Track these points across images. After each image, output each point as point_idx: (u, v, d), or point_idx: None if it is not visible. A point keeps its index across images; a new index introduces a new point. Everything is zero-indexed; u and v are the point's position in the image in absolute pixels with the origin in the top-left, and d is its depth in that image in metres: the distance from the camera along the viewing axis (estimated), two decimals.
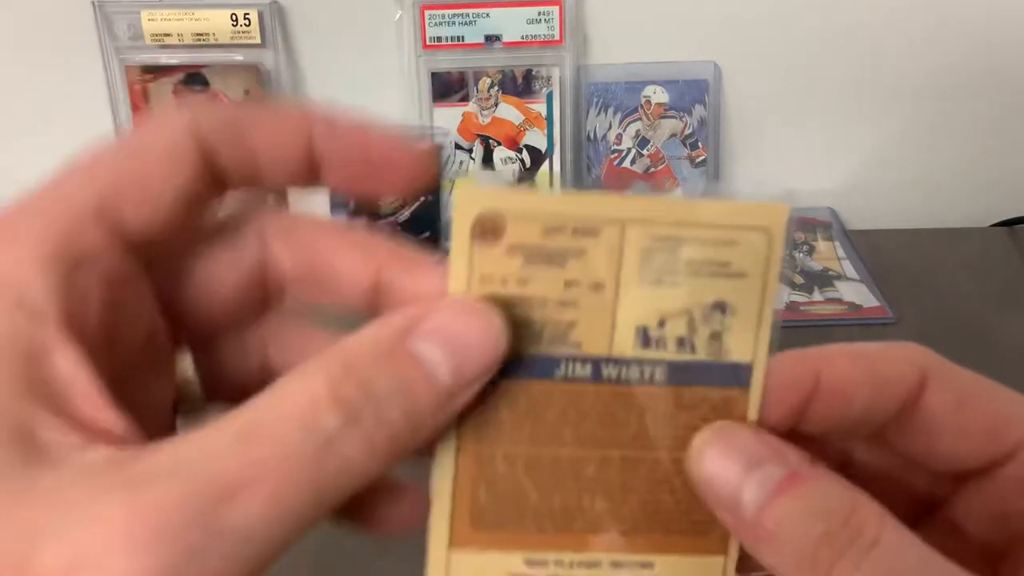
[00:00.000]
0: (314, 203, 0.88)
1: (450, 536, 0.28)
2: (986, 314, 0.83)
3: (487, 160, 0.93)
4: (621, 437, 0.28)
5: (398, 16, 0.88)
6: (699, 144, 0.94)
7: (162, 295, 0.28)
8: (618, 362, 0.27)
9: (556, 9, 0.89)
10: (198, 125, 0.26)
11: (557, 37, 0.90)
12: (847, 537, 0.25)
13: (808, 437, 0.29)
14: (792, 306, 0.84)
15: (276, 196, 0.30)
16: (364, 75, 0.91)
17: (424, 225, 0.90)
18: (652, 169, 0.94)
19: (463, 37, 0.89)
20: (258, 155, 0.27)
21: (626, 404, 0.28)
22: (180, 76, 0.88)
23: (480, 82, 0.91)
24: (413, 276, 0.28)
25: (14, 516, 0.21)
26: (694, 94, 0.93)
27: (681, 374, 0.28)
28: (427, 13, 0.88)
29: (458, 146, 0.91)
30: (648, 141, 0.94)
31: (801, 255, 0.90)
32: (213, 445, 0.22)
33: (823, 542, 0.25)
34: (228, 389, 0.29)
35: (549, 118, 0.92)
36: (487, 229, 0.26)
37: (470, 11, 0.88)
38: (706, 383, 0.28)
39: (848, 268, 0.89)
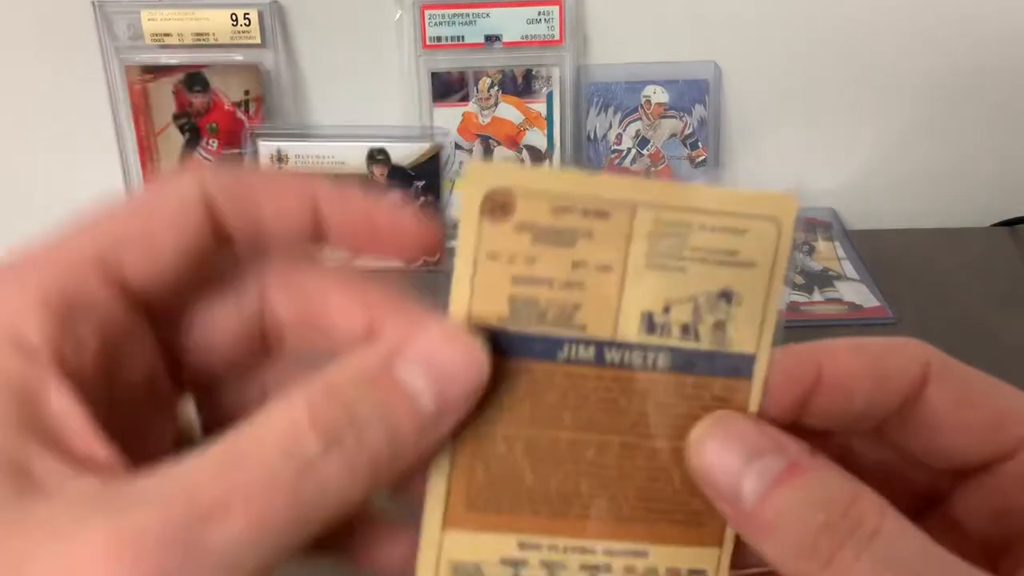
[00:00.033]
0: None
1: (444, 516, 0.28)
2: (987, 314, 0.83)
3: None
4: (621, 423, 0.28)
5: (398, 16, 0.88)
6: (699, 144, 0.94)
7: (163, 341, 0.28)
8: (621, 346, 0.27)
9: (556, 9, 0.89)
10: (205, 185, 0.27)
11: (557, 37, 0.90)
12: (847, 527, 0.25)
13: (809, 431, 0.28)
14: (792, 306, 0.84)
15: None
16: (364, 75, 0.91)
17: None
18: (652, 169, 0.94)
19: (463, 37, 0.89)
20: (264, 216, 0.28)
21: (627, 390, 0.28)
22: (180, 76, 0.87)
23: (480, 82, 0.91)
24: (406, 324, 0.28)
25: (8, 546, 0.22)
26: (694, 94, 0.93)
27: (684, 362, 0.28)
28: (427, 13, 0.88)
29: (458, 146, 0.91)
30: (648, 141, 0.94)
31: (801, 255, 0.90)
32: (196, 470, 0.23)
33: (823, 532, 0.25)
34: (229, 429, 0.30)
35: (549, 118, 0.92)
36: (497, 206, 0.26)
37: (470, 11, 0.88)
38: (708, 372, 0.28)
39: (848, 268, 0.89)
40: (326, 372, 0.25)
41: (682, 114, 0.93)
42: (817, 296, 0.86)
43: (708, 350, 0.28)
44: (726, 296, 0.27)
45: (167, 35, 0.86)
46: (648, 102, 0.93)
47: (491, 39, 0.89)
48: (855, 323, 0.82)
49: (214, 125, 0.89)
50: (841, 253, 0.91)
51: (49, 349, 0.24)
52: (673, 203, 0.27)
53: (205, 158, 0.90)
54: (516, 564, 0.28)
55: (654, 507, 0.28)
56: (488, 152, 0.93)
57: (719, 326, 0.28)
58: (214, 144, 0.89)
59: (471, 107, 0.91)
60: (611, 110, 0.93)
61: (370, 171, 0.88)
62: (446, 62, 0.90)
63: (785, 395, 0.28)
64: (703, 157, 0.94)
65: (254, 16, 0.86)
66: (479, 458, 0.28)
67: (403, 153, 0.88)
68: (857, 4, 0.90)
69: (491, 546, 0.28)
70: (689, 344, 0.28)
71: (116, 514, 0.22)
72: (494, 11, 0.89)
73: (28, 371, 0.24)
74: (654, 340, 0.27)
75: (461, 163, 0.91)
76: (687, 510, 0.29)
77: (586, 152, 0.94)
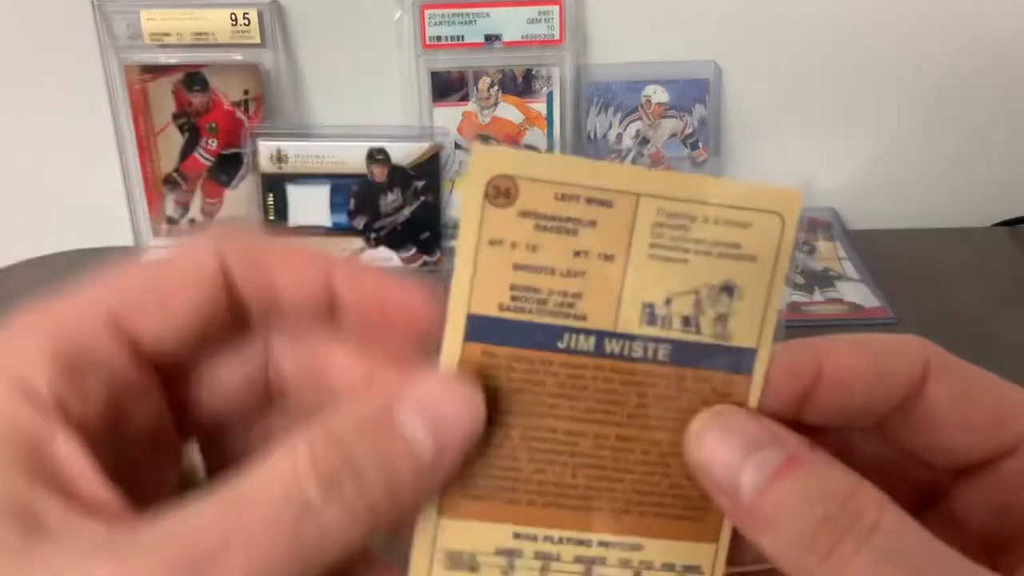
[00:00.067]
0: (312, 199, 0.88)
1: (440, 504, 0.28)
2: (988, 314, 0.82)
3: None
4: (619, 415, 0.28)
5: (398, 16, 0.88)
6: (699, 144, 0.94)
7: (169, 390, 0.29)
8: (622, 338, 0.27)
9: (556, 9, 0.88)
10: (223, 255, 0.28)
11: (557, 37, 0.89)
12: (846, 521, 0.25)
13: (810, 427, 0.28)
14: (793, 306, 0.84)
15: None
16: (364, 75, 0.91)
17: (424, 225, 0.89)
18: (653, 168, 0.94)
19: (463, 37, 0.89)
20: (278, 291, 0.29)
21: (626, 381, 0.28)
22: (179, 76, 0.87)
23: (480, 82, 0.91)
24: (405, 375, 0.28)
25: None
26: (694, 94, 0.93)
27: (684, 355, 0.28)
28: (427, 13, 0.88)
29: (458, 146, 0.91)
30: (648, 141, 0.94)
31: (803, 255, 0.90)
32: (199, 514, 0.24)
33: (822, 526, 0.25)
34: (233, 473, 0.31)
35: (549, 118, 0.92)
36: (500, 191, 0.26)
37: (470, 11, 0.88)
38: (708, 366, 0.28)
39: (849, 268, 0.89)
40: (326, 419, 0.25)
41: (682, 114, 0.93)
42: (818, 296, 0.85)
43: (709, 343, 0.28)
44: (728, 289, 0.27)
45: (166, 35, 0.85)
46: (648, 102, 0.93)
47: (491, 39, 0.89)
48: (856, 323, 0.82)
49: (213, 125, 0.89)
50: (842, 253, 0.91)
51: (56, 399, 0.25)
52: (677, 194, 0.27)
53: (204, 157, 0.89)
54: (511, 554, 0.28)
55: (651, 500, 0.28)
56: None
57: (720, 319, 0.27)
58: (213, 144, 0.89)
59: (471, 107, 0.91)
60: (611, 110, 0.93)
61: (370, 171, 0.88)
62: (446, 62, 0.90)
63: (785, 390, 0.28)
64: (703, 157, 0.94)
65: (253, 16, 0.86)
66: (475, 446, 0.27)
67: (403, 153, 0.88)
68: (857, 4, 0.90)
69: (486, 535, 0.28)
70: (690, 337, 0.27)
71: (121, 557, 0.23)
72: (494, 11, 0.88)
73: (36, 419, 0.25)
74: (655, 332, 0.27)
75: (461, 163, 0.91)
76: (684, 504, 0.28)
77: (586, 152, 0.94)
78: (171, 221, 0.91)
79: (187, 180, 0.90)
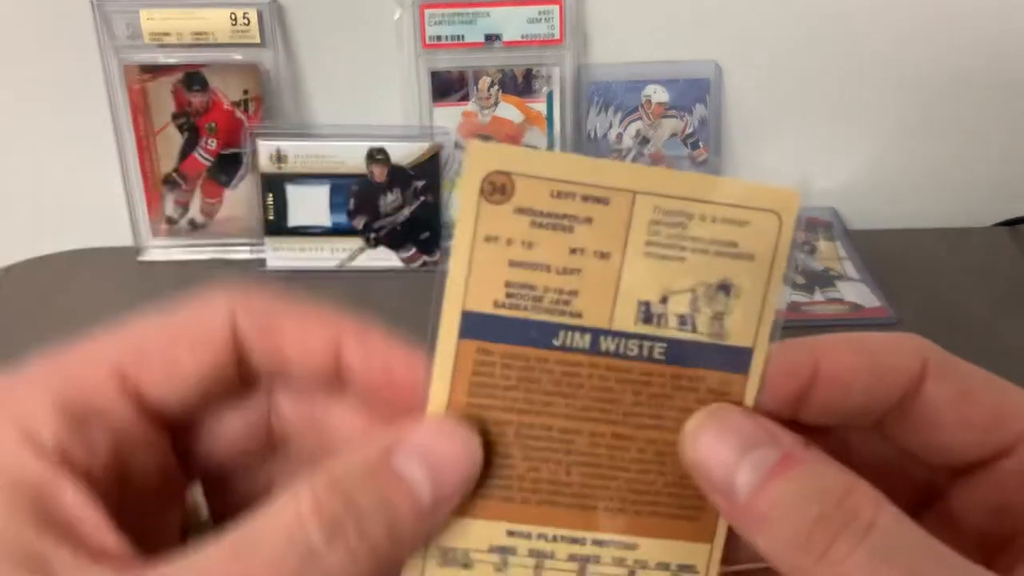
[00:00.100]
0: (311, 199, 0.88)
1: None
2: (988, 315, 0.82)
3: None
4: (614, 413, 0.28)
5: (398, 15, 0.88)
6: (700, 144, 0.94)
7: (173, 439, 0.30)
8: (617, 335, 0.27)
9: (556, 8, 0.88)
10: (234, 315, 0.29)
11: (557, 36, 0.89)
12: (842, 519, 0.25)
13: (807, 427, 0.28)
14: (793, 306, 0.84)
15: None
16: (364, 74, 0.91)
17: (424, 225, 0.89)
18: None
19: (463, 36, 0.89)
20: (287, 357, 0.29)
21: (622, 380, 0.28)
22: (179, 76, 0.87)
23: (480, 81, 0.90)
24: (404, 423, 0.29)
25: None
26: (695, 93, 0.93)
27: (680, 353, 0.27)
28: (427, 12, 0.88)
29: (458, 145, 0.91)
30: (649, 140, 0.94)
31: (803, 255, 0.90)
32: (205, 558, 0.25)
33: (818, 524, 0.25)
34: (237, 517, 0.31)
35: (549, 117, 0.92)
36: (496, 188, 0.26)
37: (470, 10, 0.88)
38: (705, 365, 0.28)
39: (849, 268, 0.89)
40: (328, 465, 0.26)
41: (683, 114, 0.93)
42: (818, 296, 0.85)
43: (705, 342, 0.27)
44: (725, 288, 0.27)
45: (166, 34, 0.85)
46: (648, 101, 0.93)
47: (491, 38, 0.89)
48: (856, 323, 0.82)
49: (213, 124, 0.89)
50: (842, 253, 0.91)
51: (61, 450, 0.26)
52: (674, 192, 0.26)
53: (204, 157, 0.89)
54: (504, 551, 0.28)
55: (646, 499, 0.28)
56: None
57: (717, 318, 0.27)
58: (213, 144, 0.89)
59: (471, 106, 0.91)
60: (611, 109, 0.93)
61: (370, 171, 0.88)
62: (446, 61, 0.90)
63: (782, 390, 0.28)
64: (704, 157, 0.94)
65: (253, 15, 0.85)
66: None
67: (403, 153, 0.88)
68: (858, 4, 0.90)
69: (480, 532, 0.28)
70: (686, 335, 0.27)
71: None
72: (494, 10, 0.88)
73: (43, 470, 0.26)
74: (650, 330, 0.27)
75: (461, 163, 0.91)
76: (679, 504, 0.28)
77: (587, 152, 0.94)
78: (170, 221, 0.91)
79: (186, 180, 0.90)
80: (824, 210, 0.96)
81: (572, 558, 0.28)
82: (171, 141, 0.89)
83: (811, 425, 0.29)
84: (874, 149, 0.96)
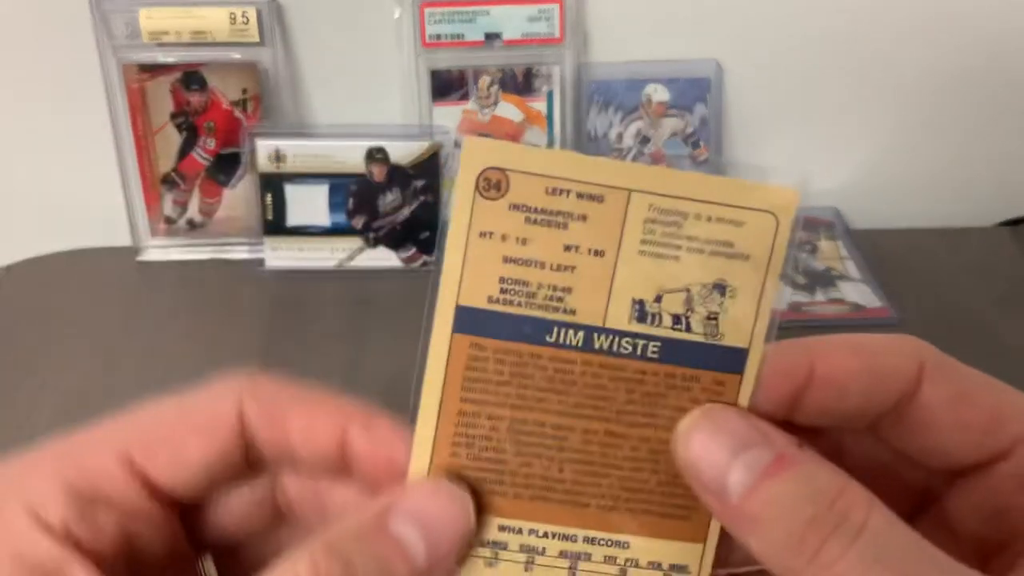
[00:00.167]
0: (310, 199, 0.88)
1: None
2: (990, 315, 0.82)
3: None
4: (607, 411, 0.28)
5: (397, 14, 0.88)
6: (700, 143, 0.94)
7: (182, 516, 0.31)
8: (611, 333, 0.27)
9: (556, 7, 0.88)
10: (242, 404, 0.30)
11: (558, 35, 0.89)
12: (834, 521, 0.25)
13: (802, 428, 0.28)
14: (794, 306, 0.83)
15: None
16: (363, 73, 0.91)
17: (424, 225, 0.89)
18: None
19: (463, 35, 0.89)
20: (294, 447, 0.30)
21: (615, 377, 0.28)
22: (177, 75, 0.87)
23: (480, 80, 0.90)
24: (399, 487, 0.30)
25: None
26: (696, 92, 0.93)
27: (674, 353, 0.27)
28: (427, 11, 0.87)
29: (457, 144, 0.91)
30: (649, 140, 0.94)
31: (805, 254, 0.90)
32: None
33: (810, 526, 0.25)
34: None
35: (549, 116, 0.92)
36: (491, 184, 0.26)
37: (470, 9, 0.88)
38: (699, 364, 0.28)
39: (851, 268, 0.88)
40: (326, 530, 0.27)
41: (683, 113, 0.93)
42: (819, 296, 0.85)
43: (700, 342, 0.27)
44: (720, 288, 0.27)
45: (165, 33, 0.85)
46: (649, 101, 0.93)
47: (491, 37, 0.89)
48: (857, 323, 0.82)
49: (212, 124, 0.88)
50: (844, 253, 0.90)
51: (68, 531, 0.27)
52: (670, 191, 0.26)
53: (203, 157, 0.89)
54: (495, 546, 0.28)
55: (638, 498, 0.28)
56: None
57: (712, 318, 0.27)
58: (212, 143, 0.89)
59: (471, 105, 0.91)
60: (612, 109, 0.93)
61: (369, 170, 0.88)
62: (446, 60, 0.90)
63: (777, 391, 0.28)
64: (705, 156, 0.94)
65: (252, 14, 0.85)
66: (462, 437, 0.28)
67: (402, 152, 0.88)
68: (859, 3, 0.89)
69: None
70: (680, 335, 0.27)
71: None
72: (494, 9, 0.88)
73: (52, 550, 0.27)
74: (644, 329, 0.27)
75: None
76: (671, 503, 0.28)
77: (587, 151, 0.93)
78: (169, 221, 0.91)
79: (185, 180, 0.90)
80: (826, 209, 0.96)
81: (563, 555, 0.29)
82: (170, 141, 0.89)
83: (806, 426, 0.29)
84: (876, 148, 0.96)
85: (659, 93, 0.92)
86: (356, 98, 0.91)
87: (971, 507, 0.30)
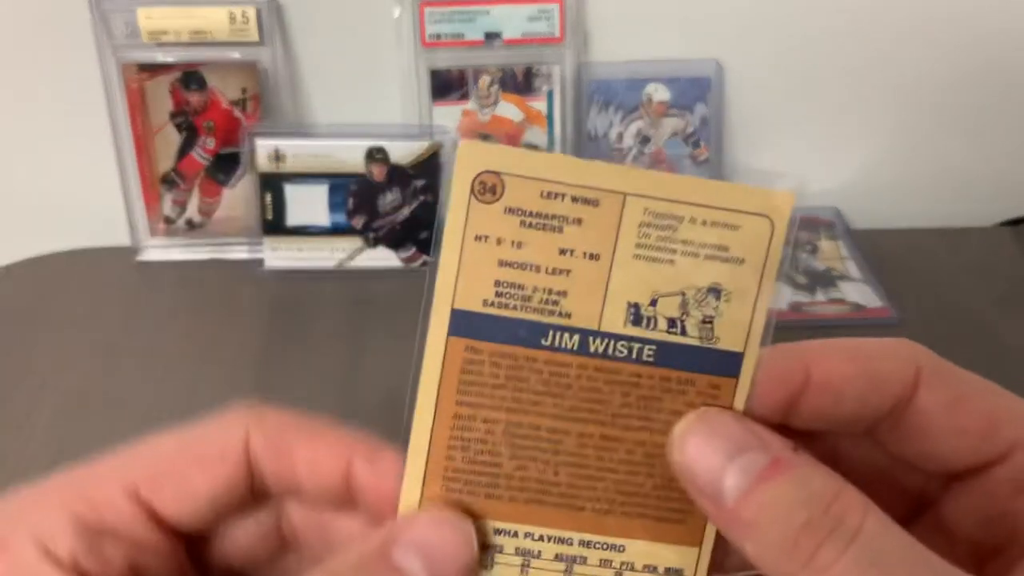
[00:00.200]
0: (310, 198, 0.87)
1: (421, 497, 0.28)
2: (991, 315, 0.82)
3: None
4: (603, 414, 0.28)
5: (397, 13, 0.88)
6: (701, 143, 0.93)
7: (188, 547, 0.31)
8: (606, 337, 0.27)
9: (557, 7, 0.88)
10: (249, 438, 0.30)
11: (558, 35, 0.89)
12: (828, 525, 0.25)
13: (798, 432, 0.28)
14: (795, 306, 0.83)
15: None
16: (363, 73, 0.90)
17: (423, 225, 0.89)
18: (654, 168, 0.94)
19: (463, 34, 0.89)
20: (300, 480, 0.30)
21: (610, 381, 0.28)
22: (177, 74, 0.87)
23: (480, 80, 0.90)
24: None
25: None
26: (696, 92, 0.92)
27: (669, 356, 0.28)
28: (426, 10, 0.87)
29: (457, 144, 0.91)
30: (650, 139, 0.93)
31: (805, 254, 0.89)
32: None
33: (804, 530, 0.25)
34: None
35: (550, 116, 0.92)
36: (487, 187, 0.26)
37: (470, 8, 0.88)
38: (694, 368, 0.28)
39: (852, 268, 0.88)
40: (329, 560, 0.27)
41: (684, 112, 0.93)
42: (820, 296, 0.85)
43: (695, 346, 0.28)
44: (715, 292, 0.27)
45: (164, 33, 0.85)
46: (649, 100, 0.93)
47: (491, 37, 0.89)
48: (858, 324, 0.82)
49: (211, 123, 0.88)
50: (845, 252, 0.90)
51: (77, 564, 0.27)
52: (665, 195, 0.27)
53: (202, 157, 0.89)
54: (491, 549, 0.28)
55: (634, 501, 0.28)
56: None
57: (707, 321, 0.27)
58: (211, 143, 0.89)
59: (471, 105, 0.91)
60: (612, 108, 0.93)
61: (369, 170, 0.87)
62: (446, 60, 0.90)
63: (772, 396, 0.28)
64: (705, 156, 0.94)
65: (252, 14, 0.85)
66: (458, 440, 0.28)
67: (402, 152, 0.88)
68: (860, 3, 0.89)
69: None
70: (676, 338, 0.27)
71: None
72: (494, 8, 0.88)
73: None
74: (639, 332, 0.27)
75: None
76: (667, 507, 0.28)
77: (587, 151, 0.93)
78: (168, 221, 0.91)
79: (184, 179, 0.90)
80: (826, 209, 0.96)
81: (559, 558, 0.29)
82: (169, 140, 0.89)
83: (802, 430, 0.29)
84: (876, 148, 0.96)
85: (659, 93, 0.92)
86: (356, 98, 0.91)
87: (967, 511, 0.30)
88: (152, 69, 0.87)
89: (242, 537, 0.32)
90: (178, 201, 0.90)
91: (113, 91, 0.87)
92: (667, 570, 0.29)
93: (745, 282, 0.27)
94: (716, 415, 0.27)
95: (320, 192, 0.88)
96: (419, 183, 0.88)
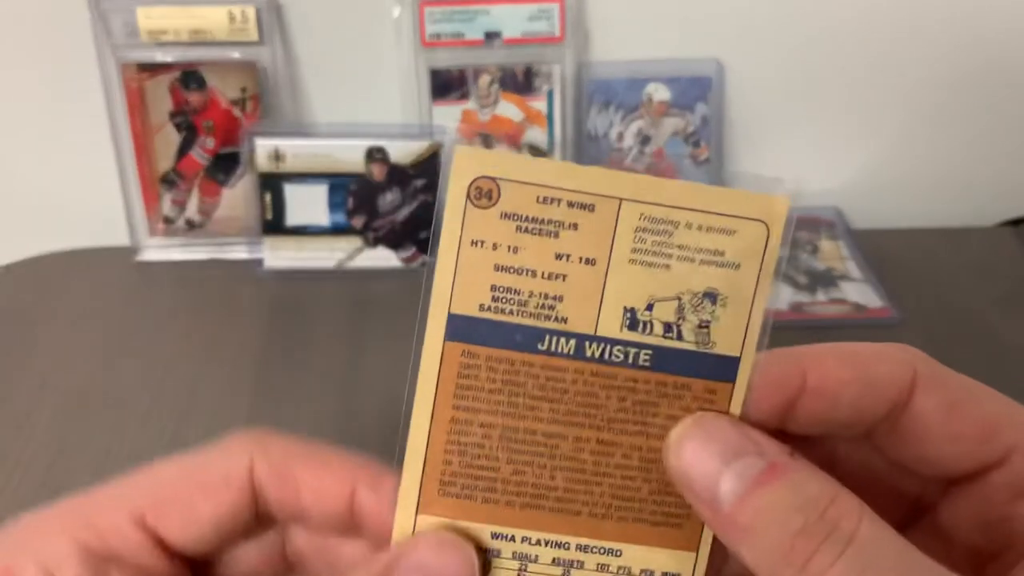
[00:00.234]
0: (310, 198, 0.87)
1: (418, 502, 0.28)
2: (992, 314, 0.82)
3: None
4: (599, 419, 0.28)
5: (397, 13, 0.88)
6: (701, 142, 0.93)
7: (193, 570, 0.31)
8: (602, 342, 0.28)
9: (557, 6, 0.88)
10: (253, 465, 0.30)
11: (558, 34, 0.89)
12: (824, 530, 0.25)
13: (795, 437, 0.28)
14: (796, 306, 0.83)
15: None
16: (363, 72, 0.90)
17: (423, 224, 0.89)
18: (655, 167, 0.94)
19: (463, 34, 0.88)
20: (304, 507, 0.31)
21: (607, 386, 0.28)
22: (176, 74, 0.87)
23: (480, 79, 0.90)
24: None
25: None
26: (697, 92, 0.92)
27: (665, 361, 0.28)
28: (426, 10, 0.87)
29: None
30: (650, 139, 0.93)
31: (806, 255, 0.89)
32: None
33: (800, 535, 0.25)
34: None
35: (550, 116, 0.91)
36: (482, 192, 0.26)
37: (470, 8, 0.88)
38: (690, 373, 0.28)
39: (852, 268, 0.88)
40: None
41: (684, 112, 0.93)
42: (821, 296, 0.85)
43: (691, 350, 0.28)
44: (711, 296, 0.27)
45: (164, 32, 0.85)
46: (650, 100, 0.92)
47: (491, 36, 0.89)
48: (859, 324, 0.82)
49: (210, 123, 0.88)
50: (845, 253, 0.90)
51: None
52: (660, 199, 0.27)
53: (202, 156, 0.89)
54: (488, 553, 0.29)
55: (630, 506, 0.28)
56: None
57: (703, 327, 0.27)
58: (211, 143, 0.89)
59: (471, 105, 0.91)
60: (612, 108, 0.93)
61: (369, 170, 0.87)
62: (446, 59, 0.90)
63: (768, 401, 0.28)
64: (706, 155, 0.93)
65: (251, 13, 0.85)
66: (455, 445, 0.28)
67: (402, 151, 0.88)
68: (861, 3, 0.89)
69: (463, 535, 0.28)
70: (672, 343, 0.28)
71: None
72: (494, 8, 0.88)
73: None
74: (636, 337, 0.27)
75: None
76: (663, 511, 0.29)
77: (587, 150, 0.93)
78: (168, 221, 0.91)
79: (184, 179, 0.90)
80: (827, 209, 0.95)
81: (556, 562, 0.29)
82: (168, 140, 0.89)
83: (799, 435, 0.29)
84: (877, 148, 0.96)
85: (660, 92, 0.92)
86: (355, 97, 0.91)
87: (965, 516, 0.30)
88: (152, 69, 0.87)
89: (246, 562, 0.32)
90: (178, 201, 0.90)
91: (112, 91, 0.87)
92: (664, 575, 0.29)
93: (741, 287, 0.27)
94: (712, 420, 0.27)
95: (320, 192, 0.88)
96: (419, 183, 0.88)
